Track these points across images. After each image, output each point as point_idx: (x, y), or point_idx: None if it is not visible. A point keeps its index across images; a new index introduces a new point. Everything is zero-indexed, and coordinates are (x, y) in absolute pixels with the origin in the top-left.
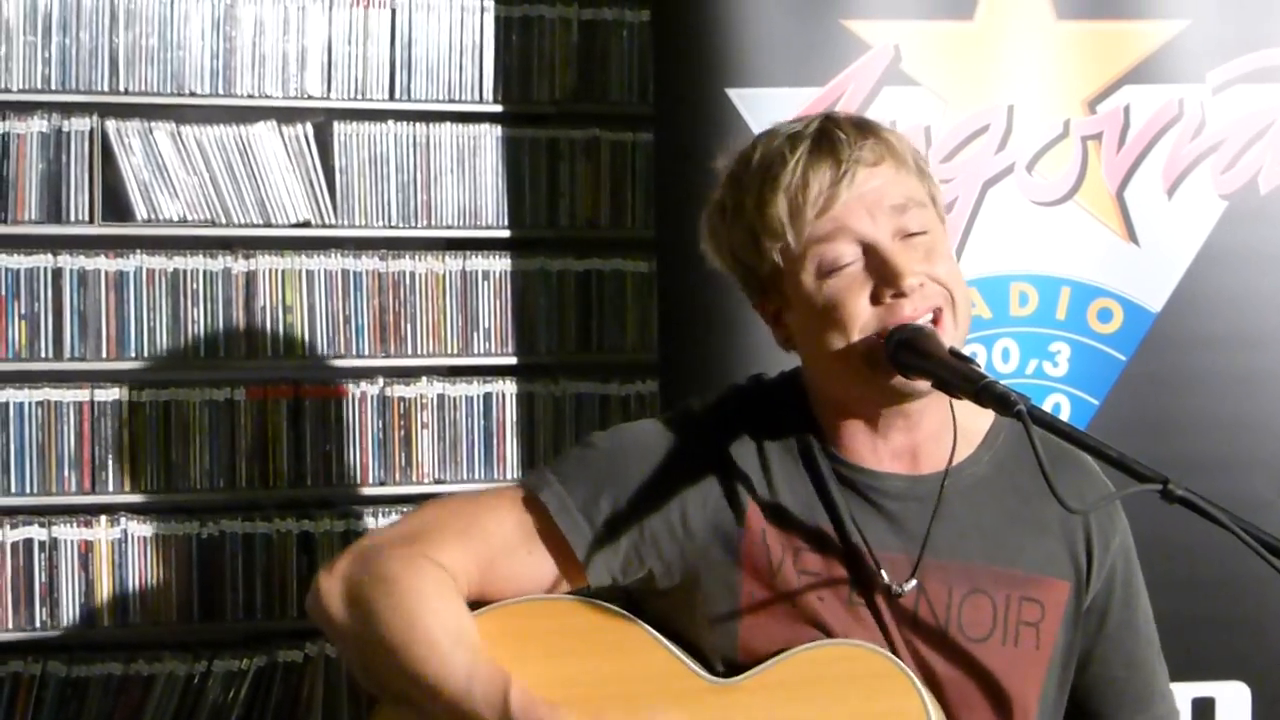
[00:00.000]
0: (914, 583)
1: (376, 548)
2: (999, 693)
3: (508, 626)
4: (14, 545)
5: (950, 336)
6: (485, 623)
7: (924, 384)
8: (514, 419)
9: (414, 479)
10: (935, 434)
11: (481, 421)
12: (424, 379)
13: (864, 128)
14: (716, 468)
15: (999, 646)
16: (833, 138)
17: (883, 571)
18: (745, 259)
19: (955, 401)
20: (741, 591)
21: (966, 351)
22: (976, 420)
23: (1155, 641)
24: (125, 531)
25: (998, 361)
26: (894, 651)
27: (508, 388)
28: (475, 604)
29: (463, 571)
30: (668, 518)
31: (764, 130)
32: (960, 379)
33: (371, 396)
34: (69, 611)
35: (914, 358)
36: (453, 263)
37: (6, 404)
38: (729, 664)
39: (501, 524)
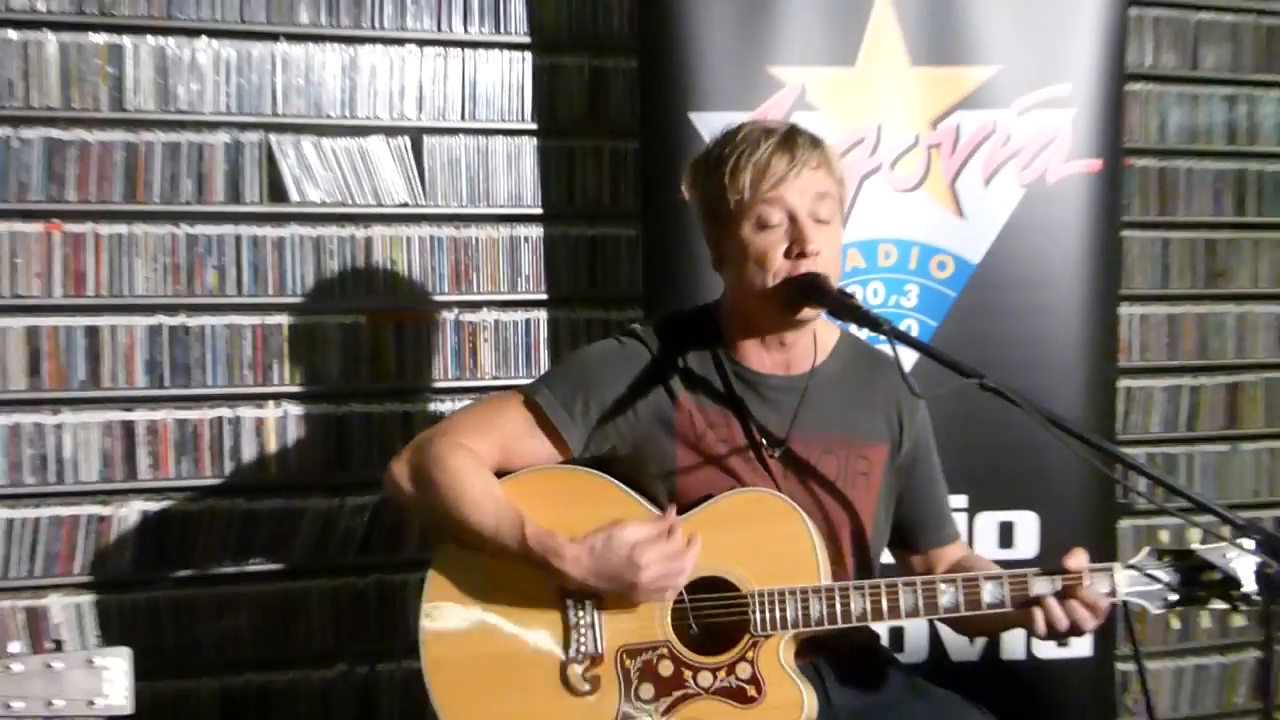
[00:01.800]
0: (784, 448)
1: (430, 441)
2: (848, 514)
3: (521, 489)
4: (211, 421)
5: None
6: (505, 487)
7: (816, 312)
8: (545, 335)
9: (477, 376)
10: (803, 347)
11: (524, 337)
12: (485, 309)
13: (816, 143)
14: (656, 371)
15: (845, 484)
16: (795, 142)
17: (763, 440)
18: (711, 197)
19: (817, 326)
20: (677, 455)
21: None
22: (828, 338)
23: (944, 483)
24: (286, 412)
25: (870, 297)
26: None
27: (541, 314)
28: (499, 475)
29: (487, 454)
30: (622, 408)
31: (750, 120)
32: (847, 309)
33: (450, 321)
34: (246, 469)
35: (818, 294)
36: (504, 231)
37: (204, 326)
38: (676, 506)
39: (511, 420)
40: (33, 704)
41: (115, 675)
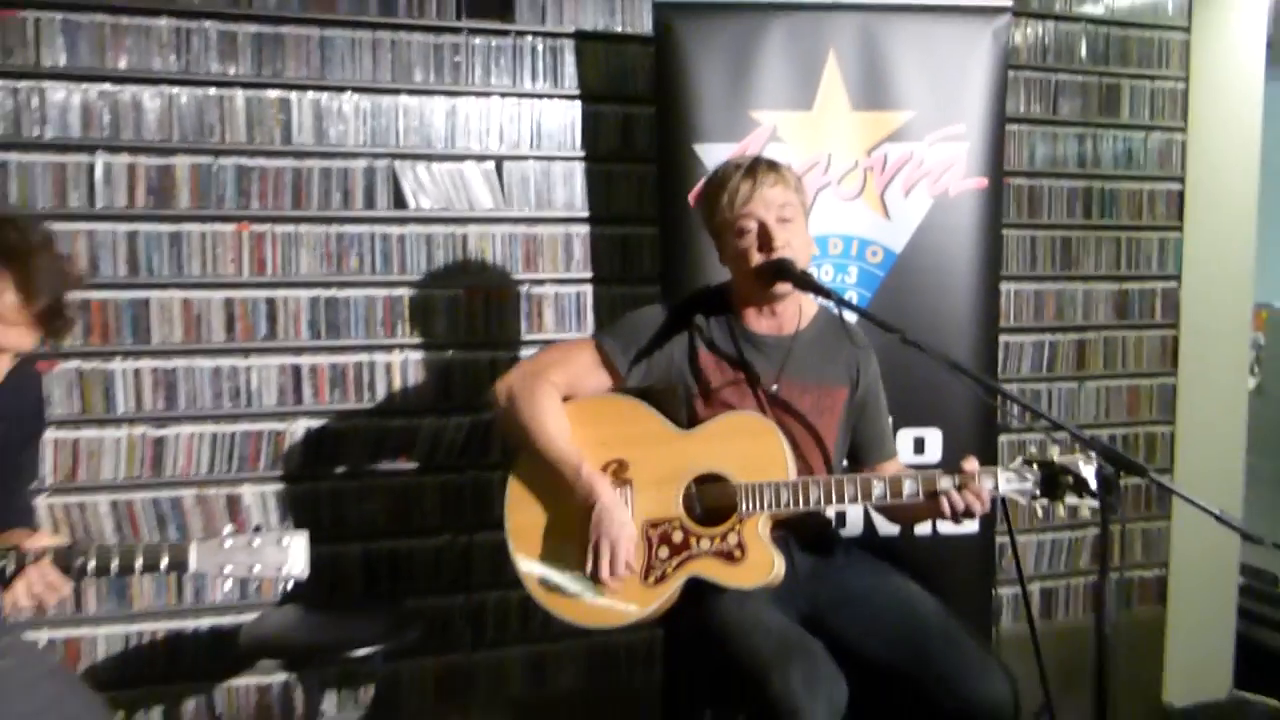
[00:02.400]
0: (776, 387)
1: (522, 371)
2: (817, 437)
3: (582, 410)
4: (354, 364)
5: None
6: (570, 408)
7: (788, 286)
8: (591, 304)
9: (541, 332)
10: (789, 315)
11: (575, 305)
12: (547, 285)
13: (773, 166)
14: (685, 330)
15: (815, 416)
16: (756, 169)
17: (761, 381)
18: (708, 219)
19: (801, 298)
20: (696, 390)
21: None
22: (809, 311)
23: (888, 416)
24: (407, 358)
25: (823, 275)
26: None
27: (587, 289)
28: (569, 397)
29: (563, 385)
30: (661, 354)
31: (726, 160)
32: (807, 283)
33: (522, 293)
34: (379, 398)
35: (784, 273)
36: (561, 230)
37: (349, 297)
38: (690, 424)
39: (582, 359)
40: (239, 568)
41: (297, 551)
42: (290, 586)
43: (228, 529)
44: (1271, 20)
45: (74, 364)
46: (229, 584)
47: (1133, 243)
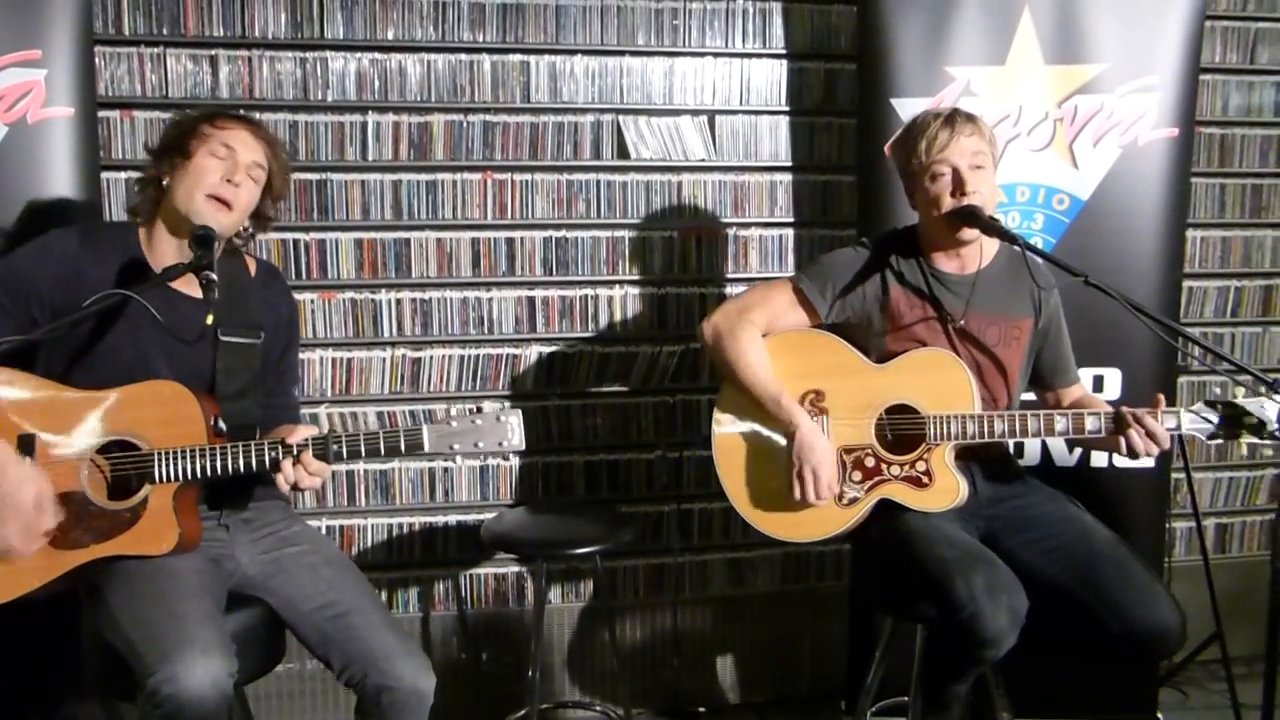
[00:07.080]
0: (964, 321)
1: (725, 311)
2: (1001, 367)
3: (783, 343)
4: (580, 297)
5: None
6: (771, 341)
7: (975, 231)
8: (792, 245)
9: (747, 271)
10: (972, 256)
11: (778, 246)
12: (753, 228)
13: (970, 118)
14: (878, 269)
15: (1002, 347)
16: (954, 120)
17: (949, 316)
18: (904, 163)
19: (983, 239)
20: (888, 326)
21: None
22: (990, 249)
23: (1070, 345)
24: (626, 292)
25: (1010, 221)
26: (956, 354)
27: (789, 232)
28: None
29: (763, 323)
30: (855, 293)
31: (925, 110)
32: (994, 229)
33: (730, 235)
34: (602, 327)
35: (973, 220)
36: (766, 177)
37: (577, 237)
38: (880, 358)
39: (781, 299)
40: (465, 444)
41: (514, 426)
42: (515, 467)
43: (455, 409)
44: None
45: (348, 294)
46: (460, 460)
47: None
